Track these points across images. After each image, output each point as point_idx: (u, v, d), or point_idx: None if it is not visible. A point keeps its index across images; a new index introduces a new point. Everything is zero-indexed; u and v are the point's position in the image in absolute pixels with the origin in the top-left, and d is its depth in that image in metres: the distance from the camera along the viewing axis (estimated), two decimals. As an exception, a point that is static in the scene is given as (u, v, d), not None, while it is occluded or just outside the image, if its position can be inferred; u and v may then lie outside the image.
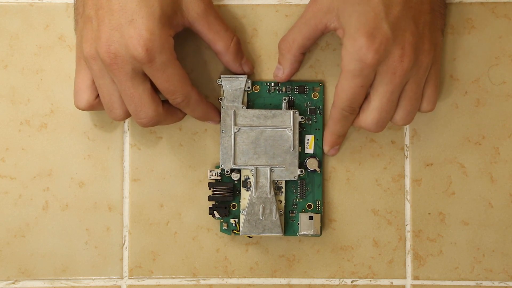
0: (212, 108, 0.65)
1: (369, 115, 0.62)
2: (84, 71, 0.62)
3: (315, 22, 0.62)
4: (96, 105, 0.62)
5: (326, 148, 0.65)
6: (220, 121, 0.65)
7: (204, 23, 0.62)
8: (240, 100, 0.64)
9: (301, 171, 0.64)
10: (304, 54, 0.65)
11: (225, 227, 0.65)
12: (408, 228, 0.66)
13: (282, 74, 0.65)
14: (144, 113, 0.60)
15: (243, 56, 0.65)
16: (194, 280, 0.66)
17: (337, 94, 0.61)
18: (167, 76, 0.59)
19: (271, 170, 0.64)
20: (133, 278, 0.66)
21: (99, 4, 0.58)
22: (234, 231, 0.65)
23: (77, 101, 0.62)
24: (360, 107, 0.63)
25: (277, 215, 0.64)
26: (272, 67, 0.66)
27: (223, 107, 0.64)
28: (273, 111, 0.64)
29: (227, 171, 0.64)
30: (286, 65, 0.65)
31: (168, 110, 0.63)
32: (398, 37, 0.59)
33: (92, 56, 0.59)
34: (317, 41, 0.66)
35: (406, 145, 0.66)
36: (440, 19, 0.63)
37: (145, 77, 0.60)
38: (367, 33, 0.58)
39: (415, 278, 0.66)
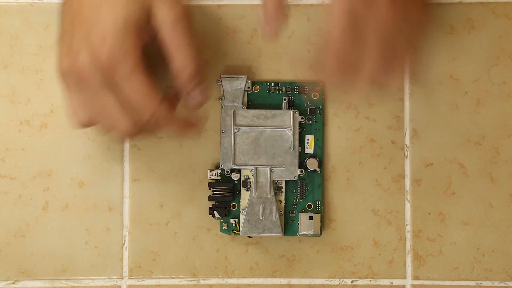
0: (187, 123, 0.60)
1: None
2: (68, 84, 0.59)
3: None
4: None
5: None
6: (200, 133, 0.64)
7: (168, 35, 0.59)
8: (240, 100, 0.64)
9: (301, 171, 0.65)
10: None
11: (225, 227, 0.65)
12: (408, 228, 0.66)
13: (271, 29, 0.58)
14: (120, 124, 0.58)
15: (198, 86, 0.61)
16: (194, 280, 0.66)
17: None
18: (132, 86, 0.56)
19: (271, 170, 0.64)
20: (133, 278, 0.66)
21: (73, 16, 0.58)
22: (234, 231, 0.65)
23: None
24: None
25: (277, 215, 0.64)
26: (271, 67, 0.66)
27: (223, 107, 0.64)
28: (273, 111, 0.64)
29: (227, 171, 0.64)
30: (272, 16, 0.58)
31: None
32: None
33: (66, 68, 0.57)
34: (317, 41, 0.66)
35: (406, 145, 0.66)
36: None
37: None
38: None
39: (415, 278, 0.66)
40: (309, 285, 0.66)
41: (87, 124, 0.59)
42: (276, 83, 0.66)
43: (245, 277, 0.66)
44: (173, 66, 0.59)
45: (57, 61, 0.58)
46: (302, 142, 0.65)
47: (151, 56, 0.58)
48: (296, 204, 0.65)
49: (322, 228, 0.66)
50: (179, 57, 0.59)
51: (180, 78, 0.59)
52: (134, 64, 0.56)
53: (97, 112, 0.58)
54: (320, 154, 0.65)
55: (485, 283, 0.66)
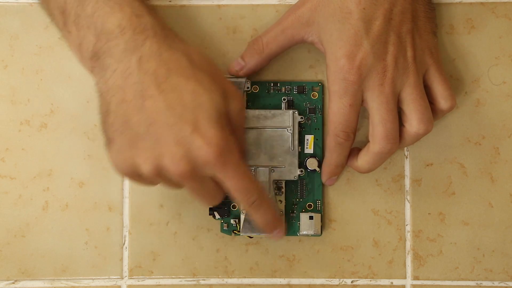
0: (278, 213, 0.63)
1: (375, 131, 0.60)
2: (136, 181, 0.59)
3: (292, 32, 0.63)
4: None
5: (323, 178, 0.65)
6: (281, 237, 0.63)
7: (234, 122, 0.58)
8: (240, 100, 0.64)
9: (301, 171, 0.64)
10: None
11: (225, 228, 0.65)
12: (408, 228, 0.66)
13: (242, 70, 0.65)
14: (216, 201, 0.61)
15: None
16: (194, 280, 0.66)
17: (330, 120, 0.61)
18: (241, 175, 0.57)
19: (271, 170, 0.64)
20: (133, 278, 0.66)
21: (151, 119, 0.55)
22: (235, 231, 0.65)
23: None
24: (358, 152, 0.63)
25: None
26: (271, 68, 0.66)
27: (223, 107, 0.64)
28: (273, 111, 0.64)
29: (227, 171, 0.64)
30: (251, 65, 0.64)
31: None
32: (379, 51, 0.59)
33: (154, 174, 0.56)
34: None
35: (406, 145, 0.66)
36: (429, 23, 0.63)
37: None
38: (348, 52, 0.59)
39: (415, 278, 0.66)
40: (309, 285, 0.66)
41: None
42: (275, 83, 0.66)
43: (245, 277, 0.66)
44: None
45: (128, 164, 0.56)
46: (301, 142, 0.65)
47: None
48: (296, 204, 0.65)
49: (322, 228, 0.66)
50: (240, 140, 0.60)
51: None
52: (238, 155, 0.56)
53: (194, 197, 0.60)
54: (320, 154, 0.65)
55: (485, 283, 0.66)
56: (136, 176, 0.57)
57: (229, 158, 0.55)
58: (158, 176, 0.56)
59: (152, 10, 0.59)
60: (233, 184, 0.57)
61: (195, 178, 0.56)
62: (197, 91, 0.55)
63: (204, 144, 0.54)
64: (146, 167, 0.56)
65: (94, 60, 0.58)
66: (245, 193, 0.58)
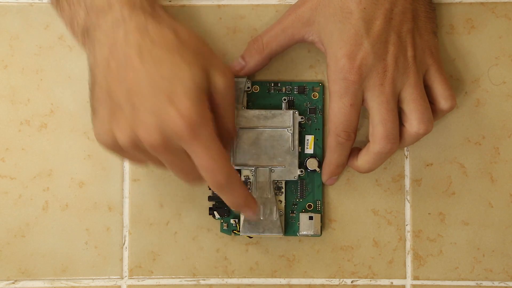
0: (250, 194, 0.61)
1: (376, 131, 0.60)
2: (119, 154, 0.59)
3: (293, 31, 0.63)
4: None
5: (323, 178, 0.65)
6: (258, 211, 0.63)
7: (219, 99, 0.58)
8: (240, 100, 0.64)
9: (301, 171, 0.64)
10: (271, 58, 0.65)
11: (225, 228, 0.65)
12: (408, 228, 0.66)
13: (242, 70, 0.65)
14: (194, 177, 0.58)
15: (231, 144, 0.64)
16: (194, 280, 0.66)
17: (330, 120, 0.61)
18: (210, 153, 0.55)
19: (271, 170, 0.64)
20: (133, 278, 0.66)
21: (130, 89, 0.55)
22: (234, 231, 0.65)
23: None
24: (359, 152, 0.63)
25: (277, 215, 0.64)
26: (271, 68, 0.66)
27: (223, 107, 0.64)
28: (273, 111, 0.64)
29: (227, 171, 0.64)
30: (251, 64, 0.64)
31: None
32: (379, 51, 0.59)
33: (130, 144, 0.55)
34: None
35: (406, 145, 0.66)
36: (429, 23, 0.63)
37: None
38: (348, 52, 0.59)
39: (415, 278, 0.66)
40: (309, 285, 0.66)
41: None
42: (275, 83, 0.66)
43: (245, 277, 0.66)
44: (218, 127, 0.60)
45: (107, 134, 0.56)
46: (302, 142, 0.65)
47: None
48: (296, 204, 0.65)
49: (322, 228, 0.66)
50: (226, 120, 0.60)
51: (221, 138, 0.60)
52: (211, 131, 0.55)
53: (171, 170, 0.58)
54: (320, 154, 0.65)
55: (485, 283, 0.66)
56: (117, 149, 0.57)
57: (200, 133, 0.54)
58: (136, 148, 0.56)
59: None
60: (200, 162, 0.56)
61: (168, 150, 0.55)
62: (178, 64, 0.55)
63: (177, 115, 0.54)
64: (122, 138, 0.56)
65: (85, 35, 0.59)
66: (212, 173, 0.56)
